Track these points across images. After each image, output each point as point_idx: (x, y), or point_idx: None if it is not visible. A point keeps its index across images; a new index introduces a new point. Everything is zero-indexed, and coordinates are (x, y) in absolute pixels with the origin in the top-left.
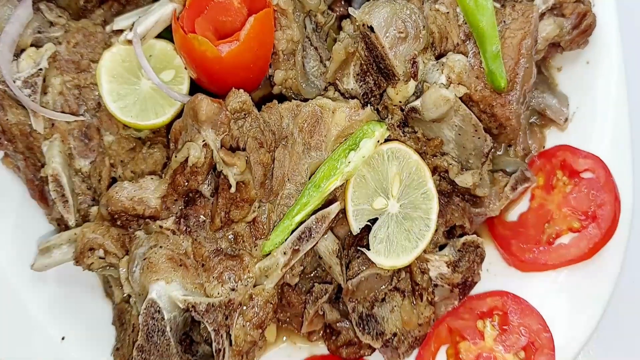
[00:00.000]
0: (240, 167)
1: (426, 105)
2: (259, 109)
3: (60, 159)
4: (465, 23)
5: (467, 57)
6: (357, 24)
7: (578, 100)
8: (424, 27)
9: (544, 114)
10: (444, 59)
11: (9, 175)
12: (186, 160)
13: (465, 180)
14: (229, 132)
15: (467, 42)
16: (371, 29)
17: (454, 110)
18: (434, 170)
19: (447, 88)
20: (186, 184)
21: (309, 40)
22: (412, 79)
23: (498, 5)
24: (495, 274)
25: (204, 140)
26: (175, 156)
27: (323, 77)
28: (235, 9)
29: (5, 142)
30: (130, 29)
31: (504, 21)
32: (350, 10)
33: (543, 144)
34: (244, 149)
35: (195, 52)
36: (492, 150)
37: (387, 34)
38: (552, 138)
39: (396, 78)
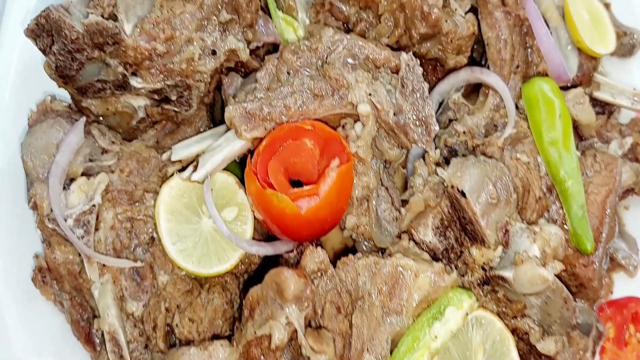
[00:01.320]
0: (329, 354)
1: (520, 280)
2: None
3: (116, 310)
4: (547, 174)
5: (549, 211)
6: (446, 184)
7: None
8: (514, 189)
9: (613, 258)
10: (536, 228)
11: (47, 306)
12: (265, 335)
13: (548, 347)
14: (312, 306)
15: (549, 195)
16: (462, 193)
17: None
18: (513, 332)
19: (543, 265)
20: (262, 358)
21: (380, 180)
22: (501, 246)
23: (578, 154)
24: None
25: (287, 318)
26: (255, 332)
27: (396, 224)
28: (307, 150)
29: (51, 281)
30: (194, 167)
31: (586, 173)
32: (439, 171)
33: (611, 289)
34: (320, 315)
35: (273, 208)
36: None
37: (479, 200)
38: (620, 283)
39: (486, 245)
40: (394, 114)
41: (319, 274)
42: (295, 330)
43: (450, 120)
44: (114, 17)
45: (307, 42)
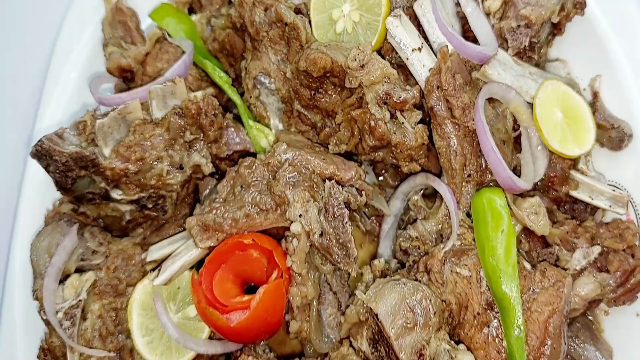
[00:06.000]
0: None
1: None
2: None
3: None
4: (489, 289)
5: (488, 327)
6: (365, 305)
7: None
8: (434, 313)
9: None
10: (455, 353)
11: None
12: None
13: None
14: None
15: (489, 311)
16: (377, 316)
17: None
18: None
19: None
20: None
21: (329, 284)
22: None
23: (528, 267)
24: None
25: None
26: None
27: (338, 329)
28: (254, 259)
29: None
30: (158, 271)
31: (532, 289)
32: (358, 293)
33: None
34: None
35: (207, 319)
36: None
37: (393, 325)
38: None
39: None
40: (320, 235)
41: None
42: None
43: (414, 220)
44: (95, 143)
45: (263, 155)
